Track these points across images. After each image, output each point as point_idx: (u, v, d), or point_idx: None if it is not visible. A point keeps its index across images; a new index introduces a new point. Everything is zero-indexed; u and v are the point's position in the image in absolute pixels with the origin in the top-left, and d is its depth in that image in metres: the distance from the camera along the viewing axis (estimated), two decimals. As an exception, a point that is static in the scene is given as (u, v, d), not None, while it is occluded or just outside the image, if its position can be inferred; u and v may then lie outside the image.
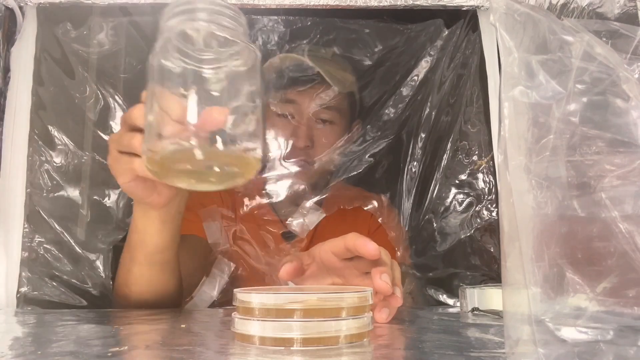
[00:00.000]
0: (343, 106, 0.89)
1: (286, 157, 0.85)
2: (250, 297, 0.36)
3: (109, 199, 0.83)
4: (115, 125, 0.88)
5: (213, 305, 0.79)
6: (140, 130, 0.45)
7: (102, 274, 0.76)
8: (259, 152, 0.41)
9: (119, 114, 0.88)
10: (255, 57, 0.43)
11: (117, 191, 0.83)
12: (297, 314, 0.34)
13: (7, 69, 0.71)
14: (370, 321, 0.37)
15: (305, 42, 1.02)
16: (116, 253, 0.77)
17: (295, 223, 0.84)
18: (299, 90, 0.85)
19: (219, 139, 0.39)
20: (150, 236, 0.56)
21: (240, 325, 0.36)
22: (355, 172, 0.88)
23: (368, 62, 1.08)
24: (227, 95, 0.41)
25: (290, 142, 0.84)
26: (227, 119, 0.40)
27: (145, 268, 0.59)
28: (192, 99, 0.39)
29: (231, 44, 0.41)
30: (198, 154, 0.39)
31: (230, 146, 0.40)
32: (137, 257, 0.58)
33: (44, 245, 0.71)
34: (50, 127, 0.76)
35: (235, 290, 0.38)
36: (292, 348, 0.33)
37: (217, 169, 0.40)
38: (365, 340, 0.37)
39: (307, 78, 0.85)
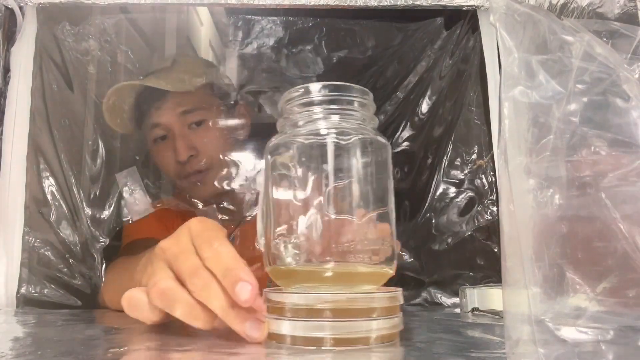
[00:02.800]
0: (207, 101, 0.87)
1: (184, 175, 0.84)
2: (282, 297, 0.36)
3: (107, 201, 0.83)
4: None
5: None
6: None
7: (98, 276, 0.76)
8: (394, 266, 0.39)
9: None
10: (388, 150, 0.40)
11: (115, 193, 0.84)
12: (328, 313, 0.34)
13: (7, 69, 0.71)
14: (401, 321, 0.37)
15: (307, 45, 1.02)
16: (105, 252, 0.77)
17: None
18: (154, 110, 0.83)
19: (360, 262, 0.37)
20: None
21: (271, 324, 0.36)
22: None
23: (368, 62, 1.08)
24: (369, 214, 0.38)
25: (176, 161, 0.82)
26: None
27: None
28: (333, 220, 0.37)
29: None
30: (338, 277, 0.37)
31: (373, 266, 0.38)
32: None
33: (44, 247, 0.71)
34: (50, 129, 0.76)
35: (265, 290, 0.38)
36: (322, 348, 0.34)
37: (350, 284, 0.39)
38: (395, 340, 0.37)
39: (150, 97, 0.83)
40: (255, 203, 0.87)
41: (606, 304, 0.28)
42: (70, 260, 0.74)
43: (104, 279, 0.74)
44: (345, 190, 0.38)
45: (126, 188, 0.81)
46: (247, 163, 0.87)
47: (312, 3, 0.72)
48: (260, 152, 0.90)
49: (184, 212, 0.90)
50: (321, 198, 0.37)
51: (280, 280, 0.40)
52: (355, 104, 0.39)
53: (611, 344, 0.26)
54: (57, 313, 0.60)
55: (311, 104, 0.39)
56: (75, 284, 0.73)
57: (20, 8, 0.72)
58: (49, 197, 0.73)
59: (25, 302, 0.67)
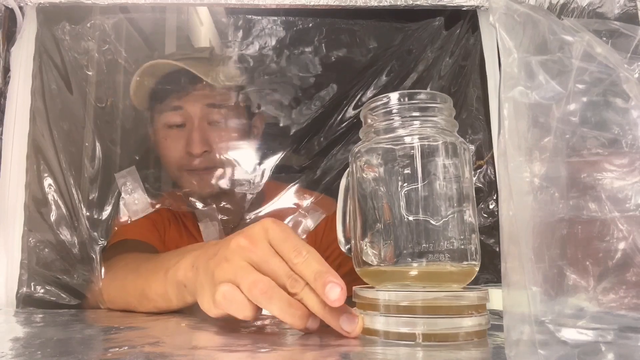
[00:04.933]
0: (233, 103, 0.87)
1: (189, 168, 0.83)
2: (376, 294, 0.38)
3: (105, 201, 0.83)
4: (116, 127, 0.88)
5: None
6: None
7: (97, 276, 0.76)
8: (478, 263, 0.41)
9: (118, 115, 0.88)
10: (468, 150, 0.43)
11: (114, 193, 0.83)
12: (420, 310, 0.36)
13: (7, 69, 0.71)
14: (489, 319, 0.39)
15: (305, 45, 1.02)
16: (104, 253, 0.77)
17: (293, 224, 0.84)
18: (181, 95, 0.83)
19: (448, 259, 0.39)
20: (178, 305, 0.55)
21: (364, 319, 0.39)
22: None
23: (368, 62, 1.08)
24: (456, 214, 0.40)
25: (187, 151, 0.82)
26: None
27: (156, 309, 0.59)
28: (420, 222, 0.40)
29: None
30: (426, 276, 0.39)
31: (458, 265, 0.40)
32: (150, 308, 0.58)
33: (43, 247, 0.71)
34: (50, 129, 0.76)
35: (355, 287, 0.41)
36: (414, 342, 0.36)
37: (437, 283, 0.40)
38: (484, 338, 0.38)
39: (186, 82, 0.83)
40: (255, 203, 0.87)
41: (606, 304, 0.28)
42: (70, 261, 0.74)
43: (102, 278, 0.73)
44: (429, 192, 0.40)
45: (125, 187, 0.81)
46: (247, 163, 0.87)
47: (312, 3, 0.72)
48: (259, 153, 0.90)
49: (176, 217, 0.90)
50: (406, 200, 0.40)
51: (369, 280, 0.43)
52: (436, 110, 0.42)
53: (612, 344, 0.26)
54: (56, 313, 0.60)
55: (394, 111, 0.42)
56: (74, 284, 0.73)
57: (20, 8, 0.72)
58: (49, 197, 0.73)
59: (25, 302, 0.67)
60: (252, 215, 0.84)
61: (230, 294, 0.41)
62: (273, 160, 0.89)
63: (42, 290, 0.69)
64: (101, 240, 0.77)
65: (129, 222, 0.80)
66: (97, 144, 0.84)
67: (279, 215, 0.83)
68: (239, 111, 0.88)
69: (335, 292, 0.37)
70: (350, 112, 1.09)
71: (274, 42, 1.05)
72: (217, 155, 0.84)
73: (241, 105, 0.89)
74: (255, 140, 0.92)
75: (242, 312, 0.41)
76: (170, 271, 0.53)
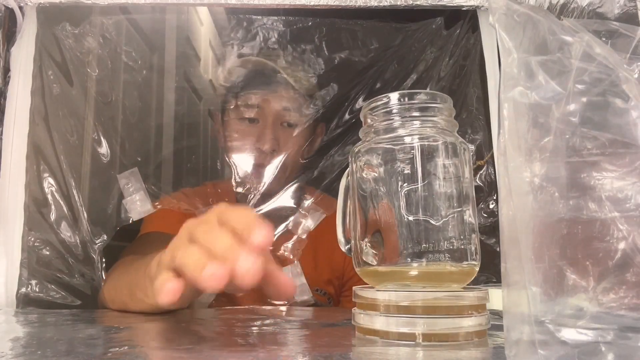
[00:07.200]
0: (306, 109, 0.90)
1: (256, 163, 0.85)
2: (376, 294, 0.38)
3: (107, 201, 0.83)
4: (118, 127, 0.88)
5: (210, 306, 0.79)
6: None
7: (98, 275, 0.76)
8: (478, 263, 0.41)
9: (118, 114, 0.88)
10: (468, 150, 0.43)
11: (115, 194, 0.83)
12: (420, 310, 0.36)
13: (7, 69, 0.71)
14: (489, 319, 0.39)
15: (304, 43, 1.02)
16: (105, 253, 0.77)
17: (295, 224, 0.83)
18: (262, 93, 0.86)
19: (448, 259, 0.39)
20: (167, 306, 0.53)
21: (364, 319, 0.39)
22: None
23: (368, 62, 1.08)
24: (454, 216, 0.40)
25: (257, 147, 0.85)
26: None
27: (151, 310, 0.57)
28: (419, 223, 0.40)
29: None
30: (426, 276, 0.39)
31: (458, 265, 0.40)
32: (142, 307, 0.56)
33: (44, 247, 0.71)
34: (50, 129, 0.76)
35: (355, 287, 0.41)
36: (414, 342, 0.36)
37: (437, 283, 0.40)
38: (484, 338, 0.38)
39: (270, 81, 0.86)
40: (255, 204, 0.87)
41: (606, 304, 0.28)
42: (70, 260, 0.74)
43: (105, 279, 0.74)
44: (429, 192, 0.40)
45: (127, 188, 0.81)
46: (246, 164, 0.87)
47: (312, 3, 0.72)
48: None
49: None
50: (406, 200, 0.40)
51: (369, 280, 0.43)
52: (436, 110, 0.42)
53: (611, 345, 0.26)
54: (57, 313, 0.60)
55: (394, 111, 0.42)
56: (75, 284, 0.73)
57: (20, 8, 0.72)
58: (49, 197, 0.73)
59: (25, 302, 0.67)
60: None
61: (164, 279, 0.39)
62: (277, 160, 0.89)
63: (42, 290, 0.69)
64: (102, 240, 0.77)
65: (157, 207, 0.80)
66: (100, 143, 0.85)
67: (278, 214, 0.83)
68: (306, 118, 0.91)
69: (260, 235, 0.35)
70: (350, 112, 1.09)
71: (273, 42, 1.05)
72: (281, 157, 0.86)
73: (307, 112, 0.92)
74: (313, 151, 0.94)
75: (161, 280, 0.39)
76: (148, 268, 0.52)
